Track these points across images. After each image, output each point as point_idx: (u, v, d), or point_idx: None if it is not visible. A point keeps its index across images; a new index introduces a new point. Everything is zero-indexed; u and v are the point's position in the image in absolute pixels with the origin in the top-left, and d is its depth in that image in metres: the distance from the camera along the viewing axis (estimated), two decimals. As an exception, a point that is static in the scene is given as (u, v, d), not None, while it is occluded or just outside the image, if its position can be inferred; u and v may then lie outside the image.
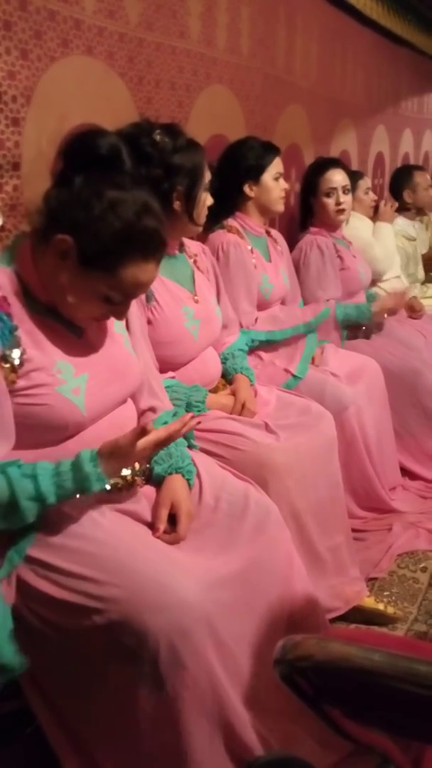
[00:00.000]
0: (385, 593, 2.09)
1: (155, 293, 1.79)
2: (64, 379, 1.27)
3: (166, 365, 1.80)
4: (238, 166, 2.34)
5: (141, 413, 1.51)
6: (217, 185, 1.90)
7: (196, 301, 1.90)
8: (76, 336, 1.34)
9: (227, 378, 2.05)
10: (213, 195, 1.89)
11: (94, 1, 1.92)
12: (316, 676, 0.74)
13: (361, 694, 0.74)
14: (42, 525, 1.27)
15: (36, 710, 1.29)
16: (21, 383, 1.23)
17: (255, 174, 2.36)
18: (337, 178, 2.80)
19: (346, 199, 2.82)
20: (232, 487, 1.49)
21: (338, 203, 2.80)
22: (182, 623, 1.16)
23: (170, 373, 1.82)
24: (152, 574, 1.20)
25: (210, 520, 1.41)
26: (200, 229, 1.93)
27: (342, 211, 2.82)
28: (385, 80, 4.66)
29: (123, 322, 1.46)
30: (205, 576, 1.23)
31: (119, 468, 1.29)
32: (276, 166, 2.39)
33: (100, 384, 1.33)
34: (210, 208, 1.90)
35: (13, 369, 1.22)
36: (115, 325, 1.44)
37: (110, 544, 1.25)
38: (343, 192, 2.80)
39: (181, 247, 1.96)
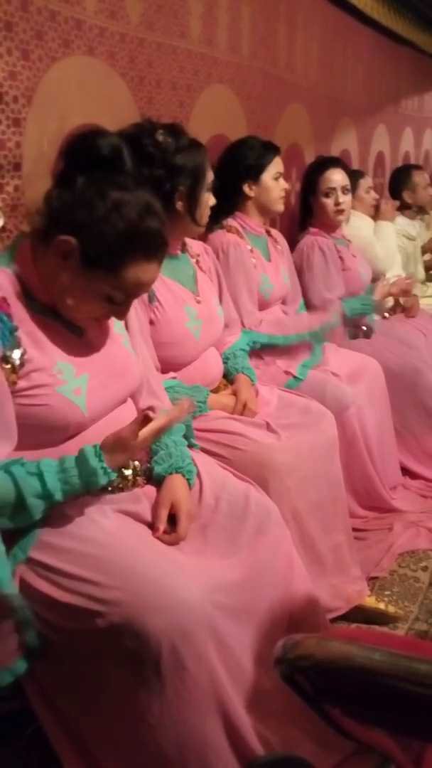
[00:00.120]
0: (386, 592, 2.09)
1: (157, 293, 1.79)
2: (64, 379, 1.28)
3: (167, 365, 1.80)
4: (238, 165, 2.34)
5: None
6: (217, 185, 1.90)
7: (198, 302, 1.90)
8: (77, 336, 1.34)
9: (228, 378, 2.05)
10: (213, 195, 1.90)
11: (95, 2, 1.92)
12: (316, 675, 0.75)
13: (362, 694, 0.74)
14: (45, 526, 1.27)
15: (37, 710, 1.29)
16: (22, 384, 1.23)
17: (255, 173, 2.36)
18: (336, 177, 2.78)
19: (346, 199, 2.80)
20: (232, 488, 1.49)
21: (337, 203, 2.79)
22: (183, 624, 1.16)
23: (171, 374, 1.82)
24: (153, 575, 1.20)
25: (210, 521, 1.41)
26: (202, 229, 1.93)
27: (341, 211, 2.81)
28: (385, 79, 4.66)
29: (122, 322, 1.46)
30: (207, 581, 1.24)
31: (123, 460, 1.29)
32: (276, 165, 2.38)
33: (100, 384, 1.33)
34: (210, 208, 1.90)
35: (14, 370, 1.22)
36: (114, 325, 1.44)
37: (111, 545, 1.25)
38: (343, 192, 2.79)
39: (184, 248, 1.96)
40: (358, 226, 3.21)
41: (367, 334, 2.85)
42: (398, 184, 3.84)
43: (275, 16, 3.03)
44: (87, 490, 1.25)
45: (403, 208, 3.74)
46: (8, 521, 1.21)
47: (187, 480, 1.44)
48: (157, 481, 1.44)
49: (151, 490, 1.43)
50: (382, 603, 1.96)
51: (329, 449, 1.92)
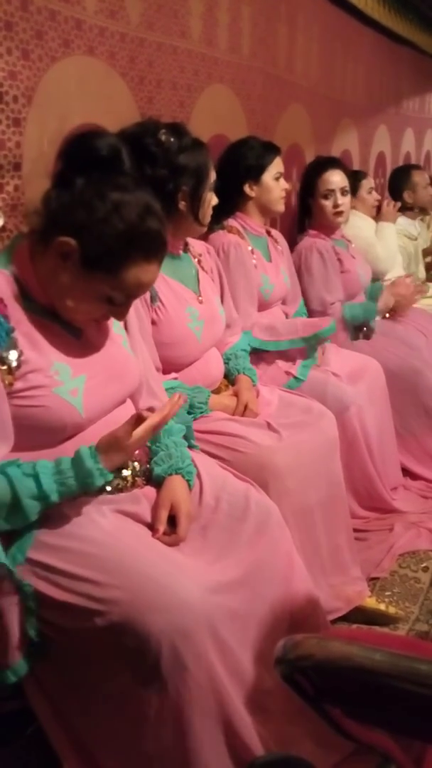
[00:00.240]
0: (387, 593, 2.09)
1: (160, 294, 1.79)
2: (61, 380, 1.27)
3: (169, 366, 1.80)
4: (239, 165, 2.34)
5: None
6: (218, 185, 1.90)
7: (201, 302, 1.90)
8: (75, 337, 1.34)
9: (230, 378, 2.05)
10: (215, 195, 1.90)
11: (95, 1, 1.92)
12: (317, 675, 0.74)
13: (363, 694, 0.74)
14: (43, 527, 1.27)
15: (37, 710, 1.28)
16: (18, 385, 1.23)
17: (255, 174, 2.36)
18: (335, 179, 2.77)
19: (345, 201, 2.78)
20: (232, 488, 1.48)
21: (336, 205, 2.77)
22: (183, 624, 1.16)
23: (173, 374, 1.82)
24: (153, 575, 1.20)
25: (211, 521, 1.40)
26: (205, 229, 1.93)
27: (340, 213, 2.79)
28: (386, 80, 4.66)
29: (122, 323, 1.46)
30: (206, 580, 1.23)
31: (120, 460, 1.29)
32: (276, 165, 2.38)
33: (98, 385, 1.33)
34: (212, 208, 1.90)
35: (10, 371, 1.22)
36: (114, 326, 1.43)
37: (111, 545, 1.25)
38: (341, 194, 2.77)
39: (186, 247, 1.96)
40: (359, 226, 3.21)
41: (368, 335, 2.84)
42: (398, 185, 3.84)
43: (276, 16, 3.04)
44: (83, 491, 1.25)
45: (405, 209, 3.73)
46: (4, 522, 1.21)
47: (187, 481, 1.44)
48: (157, 482, 1.43)
49: (150, 490, 1.43)
50: (382, 604, 1.95)
51: (330, 449, 1.91)
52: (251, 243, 2.37)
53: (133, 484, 1.40)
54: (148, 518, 1.37)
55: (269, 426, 1.86)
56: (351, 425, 2.28)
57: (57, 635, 1.23)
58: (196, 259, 1.99)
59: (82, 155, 1.24)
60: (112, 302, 1.28)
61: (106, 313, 1.31)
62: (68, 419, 1.28)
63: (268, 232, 2.53)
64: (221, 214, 2.25)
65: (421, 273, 3.91)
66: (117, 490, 1.37)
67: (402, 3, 4.31)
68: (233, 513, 1.42)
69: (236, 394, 1.98)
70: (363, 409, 2.33)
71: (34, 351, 1.26)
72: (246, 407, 1.94)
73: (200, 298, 1.91)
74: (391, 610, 1.95)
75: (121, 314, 1.34)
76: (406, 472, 2.69)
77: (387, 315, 3.06)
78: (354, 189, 3.14)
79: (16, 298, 1.27)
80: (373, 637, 1.35)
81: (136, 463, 1.41)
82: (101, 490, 1.32)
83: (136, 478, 1.41)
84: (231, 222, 2.37)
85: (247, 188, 2.37)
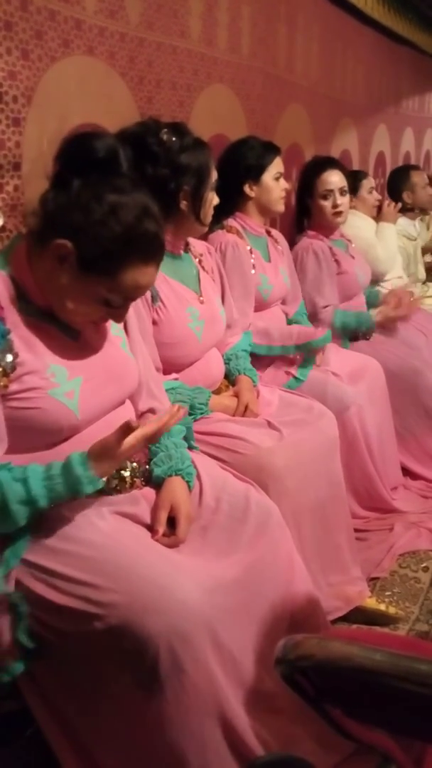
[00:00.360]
0: (387, 593, 2.08)
1: (161, 294, 1.78)
2: (57, 382, 1.27)
3: (170, 366, 1.80)
4: (239, 165, 2.33)
5: (140, 415, 1.50)
6: (218, 185, 1.90)
7: (201, 302, 1.90)
8: (72, 339, 1.33)
9: (230, 379, 2.04)
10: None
11: (94, 1, 1.92)
12: (317, 675, 0.74)
13: (363, 694, 0.74)
14: (41, 529, 1.26)
15: (35, 711, 1.28)
16: (13, 387, 1.23)
17: (255, 174, 2.36)
18: (334, 179, 2.75)
19: (344, 201, 2.77)
20: (232, 489, 1.48)
21: (335, 205, 2.75)
22: (182, 627, 1.15)
23: (173, 375, 1.82)
24: (152, 576, 1.20)
25: (211, 522, 1.40)
26: (206, 228, 1.93)
27: (339, 213, 2.77)
28: (386, 79, 4.66)
29: (121, 324, 1.46)
30: (205, 580, 1.23)
31: (111, 468, 1.28)
32: (276, 165, 2.38)
33: (95, 387, 1.32)
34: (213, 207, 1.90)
35: (5, 373, 1.21)
36: (112, 328, 1.43)
37: (109, 547, 1.25)
38: (340, 194, 2.76)
39: (186, 247, 1.96)
40: (359, 226, 3.21)
41: (367, 335, 2.84)
42: (397, 185, 3.83)
43: (275, 15, 3.03)
44: (73, 497, 1.23)
45: (404, 209, 3.73)
46: None
47: (187, 482, 1.44)
48: (157, 483, 1.43)
49: (149, 492, 1.42)
50: (382, 604, 1.95)
51: (330, 448, 1.91)
52: (250, 243, 2.37)
53: (132, 485, 1.40)
54: (147, 519, 1.37)
55: (270, 424, 1.86)
56: (351, 425, 2.28)
57: (55, 638, 1.23)
58: (197, 259, 1.99)
59: (80, 156, 1.24)
60: (110, 304, 1.28)
61: (104, 315, 1.31)
62: (64, 421, 1.27)
63: (268, 233, 2.53)
64: (221, 214, 2.24)
65: (421, 273, 3.91)
66: (116, 491, 1.37)
67: (402, 2, 4.31)
68: (233, 514, 1.41)
69: (237, 395, 1.98)
70: (363, 409, 2.33)
71: (29, 353, 1.25)
72: (246, 408, 1.93)
73: (201, 298, 1.91)
74: (392, 610, 1.95)
75: (119, 316, 1.33)
76: (406, 471, 2.69)
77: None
78: (354, 189, 3.14)
79: (13, 299, 1.26)
80: (374, 638, 1.35)
81: (134, 464, 1.41)
82: (100, 491, 1.31)
83: (135, 479, 1.40)
84: (230, 222, 2.37)
85: (247, 188, 2.36)
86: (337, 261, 2.81)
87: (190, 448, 1.57)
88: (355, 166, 3.97)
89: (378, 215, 3.46)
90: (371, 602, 1.93)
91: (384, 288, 3.25)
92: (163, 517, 1.35)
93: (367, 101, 4.33)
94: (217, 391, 1.98)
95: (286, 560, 1.46)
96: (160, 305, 1.79)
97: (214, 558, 1.32)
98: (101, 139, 1.26)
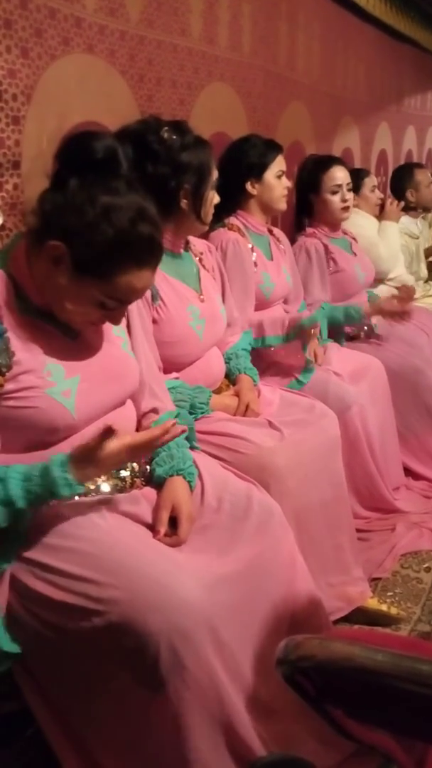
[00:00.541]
0: (389, 593, 2.08)
1: (161, 292, 1.78)
2: (54, 381, 1.26)
3: (170, 365, 1.79)
4: (241, 163, 2.33)
5: (142, 415, 1.50)
6: (220, 183, 1.90)
7: (202, 300, 1.89)
8: (70, 338, 1.33)
9: (230, 378, 2.04)
10: (217, 193, 1.89)
11: (94, -1, 1.92)
12: (318, 675, 0.74)
13: (364, 694, 0.74)
14: (40, 527, 1.26)
15: (35, 710, 1.28)
16: (9, 386, 1.22)
17: (257, 172, 2.35)
18: (341, 175, 2.77)
19: (350, 197, 2.80)
20: (234, 488, 1.48)
21: (344, 200, 2.77)
22: (182, 624, 1.15)
23: (174, 374, 1.81)
24: (152, 574, 1.19)
25: (213, 522, 1.39)
26: (207, 227, 1.92)
27: (347, 208, 2.80)
28: (387, 77, 4.65)
29: (123, 324, 1.45)
30: (206, 576, 1.23)
31: (94, 473, 1.25)
32: (278, 164, 2.38)
33: (93, 386, 1.32)
34: (214, 206, 1.89)
35: (1, 372, 1.21)
36: (113, 328, 1.42)
37: (109, 544, 1.24)
38: (348, 189, 2.78)
39: (187, 246, 1.95)
40: (362, 225, 3.20)
41: (369, 334, 2.83)
42: (401, 183, 3.82)
43: (276, 13, 3.03)
44: (53, 499, 1.21)
45: (407, 208, 3.71)
46: None
47: (189, 482, 1.43)
48: (158, 483, 1.42)
49: (149, 491, 1.42)
50: (384, 604, 1.95)
51: (331, 448, 1.91)
52: (252, 241, 2.36)
53: (132, 485, 1.39)
54: (148, 519, 1.36)
55: (271, 424, 1.85)
56: (353, 425, 2.27)
57: (55, 635, 1.22)
58: (198, 258, 1.98)
59: (78, 156, 1.23)
60: (105, 307, 1.27)
61: (101, 317, 1.30)
62: (60, 420, 1.27)
63: (270, 231, 2.52)
64: (222, 212, 2.24)
65: (423, 272, 3.90)
66: (116, 490, 1.36)
67: (403, 0, 4.30)
68: (235, 513, 1.41)
69: (237, 394, 1.97)
70: (365, 409, 2.32)
71: (26, 352, 1.25)
72: (247, 407, 1.93)
73: (201, 296, 1.90)
74: (393, 610, 1.94)
75: (116, 319, 1.32)
76: (408, 471, 2.68)
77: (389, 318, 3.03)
78: (357, 187, 3.13)
79: (11, 298, 1.26)
80: (375, 638, 1.35)
81: (134, 464, 1.40)
82: (99, 491, 1.31)
83: (135, 479, 1.40)
84: (232, 220, 2.36)
85: (248, 186, 2.36)
86: (333, 259, 2.80)
87: (192, 448, 1.57)
88: (357, 165, 3.96)
89: (380, 213, 3.46)
90: (373, 603, 1.93)
91: (389, 286, 3.25)
92: (164, 517, 1.34)
93: (368, 99, 4.32)
94: (218, 391, 1.97)
95: (288, 559, 1.45)
96: (161, 304, 1.78)
97: (215, 555, 1.31)
98: (101, 139, 1.25)
